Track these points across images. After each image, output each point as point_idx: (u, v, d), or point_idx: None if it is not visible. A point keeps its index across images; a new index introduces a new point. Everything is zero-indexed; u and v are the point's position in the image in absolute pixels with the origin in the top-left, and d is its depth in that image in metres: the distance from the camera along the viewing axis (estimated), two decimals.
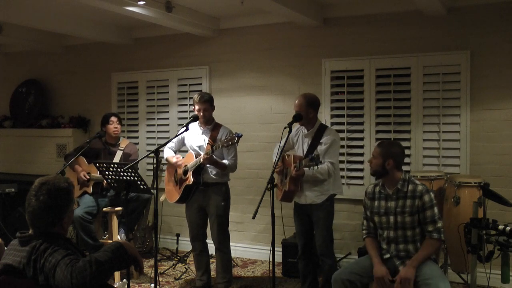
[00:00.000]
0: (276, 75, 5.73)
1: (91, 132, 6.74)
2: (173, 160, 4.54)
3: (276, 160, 3.86)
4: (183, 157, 4.57)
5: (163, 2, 4.81)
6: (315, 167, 3.86)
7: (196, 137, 4.53)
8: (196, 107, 4.45)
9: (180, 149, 4.76)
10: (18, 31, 6.05)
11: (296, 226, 4.33)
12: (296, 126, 4.28)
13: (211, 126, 4.53)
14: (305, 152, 4.16)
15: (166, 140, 4.50)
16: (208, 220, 4.58)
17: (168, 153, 4.64)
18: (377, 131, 5.23)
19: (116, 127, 5.26)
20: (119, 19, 5.76)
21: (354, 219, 5.24)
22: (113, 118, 5.24)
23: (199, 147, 4.49)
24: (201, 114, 4.43)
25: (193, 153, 4.47)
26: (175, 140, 4.63)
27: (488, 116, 4.83)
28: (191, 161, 4.42)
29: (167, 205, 6.24)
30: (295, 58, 5.63)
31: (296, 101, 4.16)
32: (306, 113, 4.11)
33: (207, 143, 4.38)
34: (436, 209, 3.39)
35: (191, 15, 5.38)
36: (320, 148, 4.06)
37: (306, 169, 3.94)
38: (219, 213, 4.48)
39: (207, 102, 4.45)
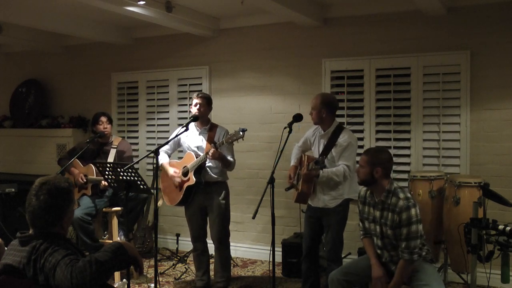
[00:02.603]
0: (276, 75, 5.73)
1: (91, 132, 6.72)
2: (171, 172, 4.49)
3: (276, 160, 3.84)
4: (180, 158, 4.56)
5: (163, 2, 4.81)
6: (321, 171, 3.85)
7: (193, 137, 4.53)
8: (194, 102, 4.46)
9: (176, 150, 4.75)
10: (18, 31, 6.05)
11: (305, 227, 4.30)
12: (313, 126, 4.28)
13: (208, 126, 4.54)
14: (320, 153, 4.13)
15: (166, 140, 4.49)
16: (208, 219, 4.58)
17: (163, 158, 4.57)
18: (377, 131, 5.23)
19: (106, 127, 5.21)
20: (119, 19, 5.76)
21: (354, 219, 5.21)
22: (103, 118, 5.20)
23: (198, 147, 4.49)
24: (197, 108, 4.43)
25: (192, 153, 4.47)
26: (170, 142, 4.61)
27: (488, 116, 4.83)
28: (191, 161, 4.42)
29: (167, 205, 6.23)
30: (295, 58, 5.63)
31: (313, 99, 4.16)
32: (319, 112, 4.10)
33: (214, 142, 4.34)
34: (413, 227, 3.24)
35: (191, 15, 5.38)
36: (335, 150, 4.02)
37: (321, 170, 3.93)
38: (221, 212, 4.48)
39: (205, 98, 4.48)
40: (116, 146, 5.25)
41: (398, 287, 3.30)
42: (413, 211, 3.25)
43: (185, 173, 4.45)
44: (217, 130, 4.50)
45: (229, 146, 4.41)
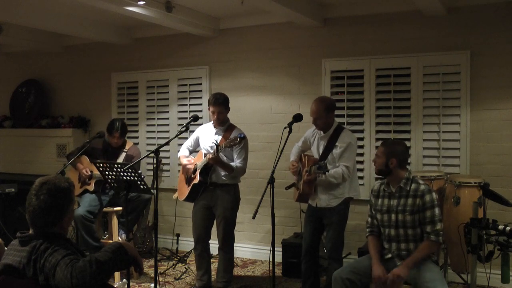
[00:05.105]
0: (276, 75, 5.73)
1: (91, 132, 6.74)
2: (184, 161, 4.56)
3: (276, 160, 3.84)
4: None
5: (163, 2, 4.81)
6: (323, 175, 3.85)
7: (209, 137, 4.53)
8: (211, 109, 4.45)
9: (196, 148, 4.77)
10: (18, 31, 6.05)
11: (305, 227, 4.31)
12: (313, 126, 4.27)
13: (225, 127, 4.52)
14: (320, 155, 4.14)
15: (166, 140, 4.48)
16: (215, 221, 4.58)
17: (182, 152, 4.68)
18: (377, 131, 5.23)
19: (117, 142, 5.21)
20: (119, 19, 5.76)
21: (354, 219, 5.24)
22: (116, 134, 5.14)
23: (211, 147, 4.47)
24: (215, 116, 4.43)
25: (204, 152, 4.48)
26: (191, 139, 4.69)
27: (488, 116, 4.83)
28: (201, 160, 4.44)
29: (167, 205, 6.25)
30: (295, 58, 5.63)
31: (313, 107, 4.10)
32: (325, 118, 4.08)
33: (215, 143, 4.34)
34: (437, 210, 3.36)
35: (191, 15, 5.38)
36: (335, 152, 4.02)
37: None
38: (226, 215, 4.47)
39: (222, 104, 4.44)
40: (126, 150, 5.27)
41: (413, 264, 3.31)
42: (434, 194, 3.41)
43: (194, 171, 4.47)
44: (233, 132, 4.45)
45: (240, 151, 4.40)
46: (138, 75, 6.52)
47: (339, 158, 4.00)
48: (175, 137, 4.50)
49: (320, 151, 4.15)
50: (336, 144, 4.04)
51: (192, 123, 4.47)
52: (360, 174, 5.26)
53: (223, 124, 4.52)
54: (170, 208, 6.20)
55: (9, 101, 7.35)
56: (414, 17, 5.04)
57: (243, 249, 5.89)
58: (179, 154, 4.72)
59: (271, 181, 3.64)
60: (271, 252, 3.66)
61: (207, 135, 4.56)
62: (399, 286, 3.29)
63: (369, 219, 3.69)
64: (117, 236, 5.09)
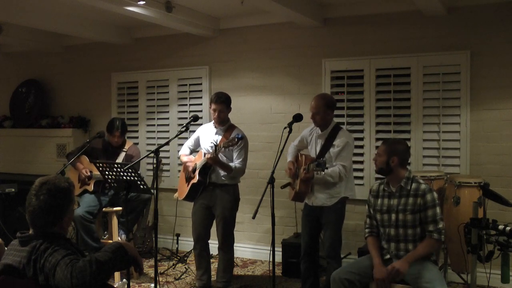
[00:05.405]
0: (276, 75, 5.73)
1: (91, 132, 6.74)
2: (184, 159, 4.58)
3: (276, 160, 3.84)
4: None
5: (163, 2, 4.81)
6: (321, 173, 3.85)
7: (209, 136, 4.53)
8: (212, 107, 4.45)
9: (197, 149, 4.77)
10: (18, 31, 6.06)
11: (303, 227, 4.30)
12: (310, 125, 4.28)
13: (225, 126, 4.52)
14: (317, 154, 4.14)
15: (166, 140, 4.48)
16: (215, 221, 4.58)
17: (183, 151, 4.70)
18: (377, 131, 5.23)
19: (117, 141, 5.23)
20: (119, 19, 5.76)
21: (354, 219, 5.24)
22: (117, 133, 5.16)
23: (211, 147, 4.48)
24: (216, 114, 4.44)
25: (204, 151, 4.48)
26: (192, 139, 4.70)
27: (488, 116, 4.83)
28: (201, 159, 4.44)
29: (167, 205, 6.25)
30: (295, 58, 5.63)
31: (313, 102, 4.12)
32: (324, 114, 4.08)
33: (214, 143, 4.35)
34: (438, 209, 3.36)
35: (191, 15, 5.38)
36: (333, 151, 4.03)
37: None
38: (225, 215, 4.47)
39: (224, 103, 4.44)
40: (126, 150, 5.28)
41: (414, 259, 3.31)
42: (434, 194, 3.41)
43: (194, 171, 4.48)
44: (234, 132, 4.45)
45: (240, 152, 4.40)
46: (138, 75, 6.52)
47: (336, 157, 4.01)
48: (175, 137, 4.50)
49: (317, 150, 4.16)
50: (334, 143, 4.05)
51: (192, 123, 4.47)
52: (360, 174, 5.26)
53: (224, 124, 4.52)
54: (170, 208, 6.20)
55: (9, 101, 7.35)
56: (414, 17, 5.04)
57: (243, 249, 5.89)
58: (180, 153, 4.74)
59: (271, 181, 3.64)
60: (271, 252, 3.66)
61: (207, 135, 4.56)
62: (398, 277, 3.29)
63: (368, 220, 3.67)
64: (117, 236, 5.09)
